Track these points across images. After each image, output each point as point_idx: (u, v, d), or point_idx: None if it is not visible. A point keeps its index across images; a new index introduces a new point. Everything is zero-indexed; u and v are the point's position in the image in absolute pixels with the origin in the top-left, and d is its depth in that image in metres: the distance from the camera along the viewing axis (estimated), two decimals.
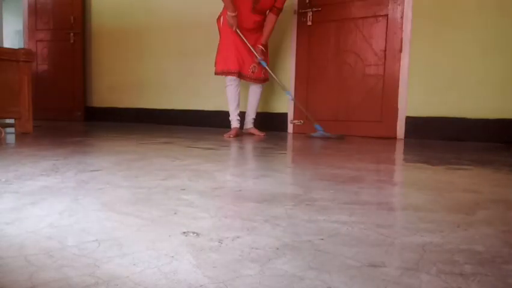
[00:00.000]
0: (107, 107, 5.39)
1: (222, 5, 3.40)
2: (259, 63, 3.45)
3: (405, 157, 2.33)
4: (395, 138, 3.49)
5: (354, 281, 0.64)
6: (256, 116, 3.70)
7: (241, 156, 2.37)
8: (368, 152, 2.52)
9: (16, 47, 4.44)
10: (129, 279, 0.63)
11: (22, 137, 2.96)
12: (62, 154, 2.07)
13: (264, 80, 3.60)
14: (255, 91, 3.65)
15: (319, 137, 3.40)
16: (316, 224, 0.94)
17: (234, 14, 3.27)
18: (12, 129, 3.41)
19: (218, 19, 3.53)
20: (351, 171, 1.71)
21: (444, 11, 3.27)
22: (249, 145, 2.86)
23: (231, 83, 3.47)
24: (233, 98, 3.51)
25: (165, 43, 4.85)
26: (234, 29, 3.34)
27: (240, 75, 3.46)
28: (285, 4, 3.56)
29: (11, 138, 2.87)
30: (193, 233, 0.86)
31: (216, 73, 3.50)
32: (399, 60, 3.48)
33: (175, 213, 1.01)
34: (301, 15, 3.92)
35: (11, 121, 3.48)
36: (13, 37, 8.09)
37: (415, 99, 3.42)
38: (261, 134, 3.59)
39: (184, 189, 1.29)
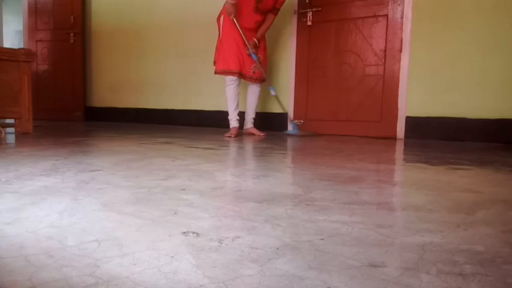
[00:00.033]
0: (107, 107, 5.38)
1: (222, 3, 3.41)
2: (249, 55, 3.45)
3: (405, 157, 2.33)
4: (395, 138, 3.49)
5: (354, 281, 0.64)
6: (256, 115, 3.71)
7: (241, 156, 2.37)
8: (368, 152, 2.52)
9: (16, 47, 4.44)
10: (129, 279, 0.63)
11: (22, 137, 2.96)
12: (62, 154, 2.07)
13: (263, 80, 3.61)
14: (253, 91, 3.65)
15: (292, 134, 3.64)
16: (316, 224, 0.94)
17: (233, 2, 3.27)
18: (12, 129, 3.41)
19: (218, 18, 3.53)
20: (351, 171, 1.71)
21: (444, 11, 3.27)
22: (249, 145, 2.86)
23: (231, 83, 3.47)
24: (233, 98, 3.51)
25: (165, 43, 4.85)
26: (231, 17, 3.33)
27: (241, 75, 3.46)
28: (285, 4, 3.58)
29: (11, 138, 2.87)
30: (193, 233, 0.86)
31: (216, 72, 3.50)
32: (399, 60, 3.48)
33: (175, 213, 1.01)
34: (301, 15, 3.92)
35: (11, 121, 3.48)
36: (13, 37, 8.09)
37: (415, 99, 3.42)
38: (261, 134, 3.59)
39: (184, 189, 1.29)
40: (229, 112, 3.57)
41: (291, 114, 4.02)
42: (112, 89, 5.34)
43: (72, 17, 5.28)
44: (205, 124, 4.56)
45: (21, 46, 5.77)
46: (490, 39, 3.11)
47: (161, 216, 0.99)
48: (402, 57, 3.46)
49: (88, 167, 1.69)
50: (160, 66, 4.91)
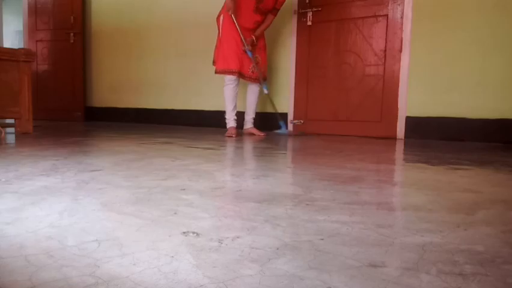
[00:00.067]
0: (107, 107, 5.38)
1: (222, 3, 3.41)
2: (245, 51, 3.44)
3: (405, 157, 2.33)
4: (395, 138, 3.49)
5: (354, 281, 0.64)
6: (256, 115, 3.71)
7: (241, 156, 2.37)
8: (368, 152, 2.52)
9: (16, 47, 4.44)
10: (129, 279, 0.63)
11: (22, 137, 2.96)
12: (62, 154, 2.07)
13: (264, 79, 3.60)
14: (253, 90, 3.65)
15: (281, 133, 3.70)
16: (317, 224, 0.94)
17: None
18: (12, 129, 3.41)
19: (218, 17, 3.54)
20: (351, 171, 1.71)
21: (444, 11, 3.27)
22: (249, 145, 2.86)
23: (230, 83, 3.47)
24: (231, 98, 3.52)
25: (165, 43, 4.85)
26: (230, 12, 3.33)
27: (240, 74, 3.46)
28: (285, 4, 3.58)
29: (11, 138, 2.88)
30: (193, 233, 0.86)
31: (216, 72, 3.50)
32: (399, 60, 3.48)
33: (175, 213, 1.01)
34: (301, 15, 3.92)
35: (11, 121, 3.48)
36: (13, 37, 8.09)
37: (415, 99, 3.42)
38: (261, 134, 3.59)
39: (184, 189, 1.29)
40: (226, 112, 3.57)
41: (290, 114, 4.02)
42: (112, 89, 5.34)
43: (72, 17, 5.28)
44: (205, 124, 4.56)
45: (21, 46, 5.77)
46: (490, 39, 3.11)
47: (161, 216, 0.99)
48: (402, 57, 3.46)
49: (88, 167, 1.69)
50: (160, 66, 4.91)
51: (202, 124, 4.59)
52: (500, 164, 2.00)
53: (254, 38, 3.47)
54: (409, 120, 3.45)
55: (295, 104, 4.01)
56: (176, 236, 0.84)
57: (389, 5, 3.49)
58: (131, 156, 2.06)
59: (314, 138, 3.41)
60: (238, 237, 0.84)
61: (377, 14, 3.56)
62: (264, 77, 3.60)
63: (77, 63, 5.35)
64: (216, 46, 3.56)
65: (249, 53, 3.43)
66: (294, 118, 3.94)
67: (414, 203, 1.17)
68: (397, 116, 3.50)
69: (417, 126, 3.42)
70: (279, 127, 3.76)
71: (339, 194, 1.27)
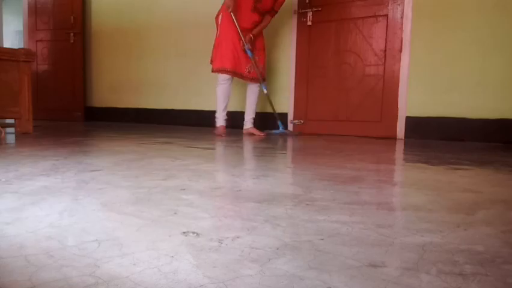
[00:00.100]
0: (107, 107, 5.38)
1: (221, 2, 3.41)
2: (244, 51, 3.44)
3: (405, 157, 2.33)
4: (395, 138, 3.49)
5: (354, 281, 0.64)
6: (256, 115, 3.71)
7: (241, 156, 2.37)
8: (368, 152, 2.52)
9: (16, 47, 4.43)
10: (129, 279, 0.63)
11: (22, 137, 2.96)
12: (62, 154, 2.07)
13: (262, 79, 3.60)
14: (253, 91, 3.65)
15: (278, 134, 3.66)
16: (317, 224, 0.94)
17: None
18: (12, 129, 3.41)
19: (217, 16, 3.55)
20: (351, 171, 1.71)
21: (444, 11, 3.27)
22: (249, 145, 2.86)
23: (223, 82, 3.49)
24: (223, 97, 3.54)
25: (165, 43, 4.85)
26: (229, 10, 3.34)
27: (235, 73, 3.47)
28: (285, 4, 3.58)
29: (11, 138, 2.88)
30: (193, 233, 0.86)
31: (213, 71, 3.52)
32: (399, 60, 3.48)
33: (175, 213, 1.01)
34: (301, 15, 3.92)
35: (11, 121, 3.48)
36: (13, 37, 8.08)
37: (415, 99, 3.42)
38: (261, 134, 3.59)
39: (184, 189, 1.29)
40: (217, 111, 3.59)
41: (291, 114, 4.02)
42: (112, 89, 5.34)
43: (72, 17, 5.28)
44: (205, 124, 4.56)
45: (21, 46, 5.77)
46: (490, 39, 3.11)
47: (161, 216, 0.99)
48: (402, 57, 3.46)
49: (88, 167, 1.69)
50: (160, 66, 4.91)
51: (202, 124, 4.58)
52: (500, 164, 2.00)
53: (251, 36, 3.47)
54: (409, 120, 3.45)
55: (295, 104, 4.01)
56: (176, 236, 0.84)
57: (389, 5, 3.50)
58: (131, 156, 2.06)
59: (314, 137, 3.41)
60: (238, 237, 0.84)
61: (377, 14, 3.56)
62: (262, 77, 3.60)
63: (77, 63, 5.35)
64: (214, 45, 3.57)
65: (249, 52, 3.43)
66: (294, 118, 3.94)
67: (414, 203, 1.17)
68: (397, 116, 3.50)
69: (417, 126, 3.42)
70: (278, 127, 3.75)
71: (339, 194, 1.27)
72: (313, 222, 0.96)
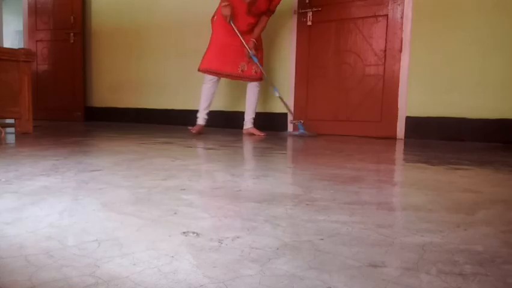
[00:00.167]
0: (107, 107, 5.38)
1: (218, 4, 3.42)
2: (250, 58, 3.45)
3: (405, 157, 2.33)
4: (395, 138, 3.49)
5: (354, 281, 0.64)
6: (256, 116, 3.70)
7: (241, 156, 2.37)
8: (368, 152, 2.52)
9: (16, 47, 4.43)
10: (129, 279, 0.63)
11: (22, 137, 2.96)
12: (62, 154, 2.07)
13: (258, 78, 3.59)
14: (252, 90, 3.65)
15: (298, 135, 3.58)
16: (317, 224, 0.94)
17: (225, 4, 3.29)
18: (12, 129, 3.41)
19: (212, 18, 3.55)
20: (351, 171, 1.71)
21: (444, 11, 3.27)
22: (249, 145, 2.86)
23: (207, 82, 3.55)
24: (206, 96, 3.58)
25: (165, 43, 4.85)
26: (227, 20, 3.34)
27: (220, 74, 3.50)
28: (285, 4, 3.58)
29: (11, 138, 2.88)
30: (193, 233, 0.86)
31: (199, 70, 3.55)
32: (399, 60, 3.48)
33: (175, 213, 1.01)
34: (301, 15, 3.92)
35: (11, 121, 3.48)
36: (13, 37, 8.09)
37: (415, 99, 3.42)
38: (261, 134, 3.59)
39: (184, 189, 1.29)
40: (199, 109, 3.65)
41: (291, 114, 4.02)
42: (112, 89, 5.34)
43: (72, 17, 5.28)
44: (205, 124, 4.55)
45: (21, 46, 5.77)
46: (490, 39, 3.11)
47: (161, 216, 0.99)
48: (402, 57, 3.46)
49: (88, 167, 1.69)
50: (160, 66, 4.91)
51: None
52: (500, 164, 2.00)
53: (255, 41, 3.47)
54: (409, 120, 3.45)
55: (295, 104, 4.01)
56: (176, 236, 0.84)
57: (389, 5, 3.50)
58: (131, 156, 2.06)
59: (314, 137, 3.41)
60: (238, 237, 0.84)
61: (377, 14, 3.56)
62: (260, 77, 3.58)
63: (77, 63, 5.35)
64: (208, 46, 3.59)
65: (254, 58, 3.45)
66: (294, 118, 3.94)
67: (414, 203, 1.18)
68: (397, 116, 3.50)
69: (417, 126, 3.42)
70: (289, 128, 3.72)
71: (339, 194, 1.27)
72: (313, 222, 0.96)
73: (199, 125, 3.65)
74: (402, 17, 3.44)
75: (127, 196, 1.19)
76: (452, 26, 3.25)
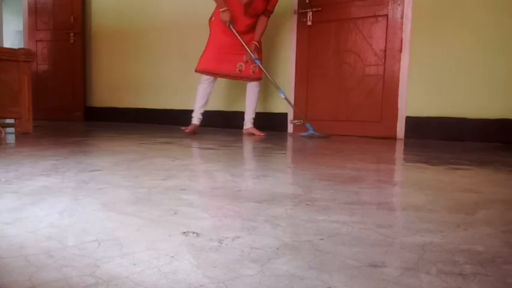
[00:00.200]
0: (107, 107, 5.38)
1: (215, 5, 3.42)
2: (253, 61, 3.45)
3: (405, 157, 2.33)
4: (395, 138, 3.49)
5: (354, 281, 0.64)
6: (256, 115, 3.70)
7: (241, 156, 2.37)
8: (368, 152, 2.52)
9: (16, 47, 4.43)
10: (129, 279, 0.63)
11: (22, 137, 2.96)
12: (62, 154, 2.07)
13: (257, 78, 3.58)
14: (252, 90, 3.64)
15: (308, 136, 3.48)
16: (317, 224, 0.94)
17: (223, 9, 3.29)
18: (12, 129, 3.41)
19: (210, 19, 3.55)
20: (351, 171, 1.71)
21: (444, 11, 3.27)
22: (248, 145, 2.86)
23: (203, 82, 3.55)
24: (202, 96, 3.59)
25: (165, 43, 4.85)
26: (227, 25, 3.34)
27: (217, 74, 3.50)
28: (285, 4, 3.57)
29: (11, 138, 2.87)
30: (193, 233, 0.86)
31: (196, 71, 3.55)
32: (399, 60, 3.48)
33: (175, 213, 1.01)
34: (301, 15, 3.92)
35: (11, 121, 3.48)
36: (13, 37, 8.08)
37: (415, 99, 3.42)
38: (261, 134, 3.59)
39: (184, 189, 1.29)
40: (194, 109, 3.66)
41: (291, 114, 4.02)
42: (111, 89, 5.34)
43: (72, 17, 5.28)
44: (205, 124, 4.55)
45: (21, 46, 5.77)
46: (490, 39, 3.11)
47: (161, 216, 0.99)
48: (402, 57, 3.46)
49: (88, 167, 1.69)
50: (160, 67, 4.91)
51: (202, 124, 4.58)
52: (500, 164, 2.00)
53: (257, 44, 3.47)
54: (409, 120, 3.45)
55: (295, 104, 4.01)
56: (176, 236, 0.84)
57: (389, 5, 3.49)
58: (131, 156, 2.06)
59: (314, 137, 3.40)
60: (238, 237, 0.84)
61: (377, 14, 3.56)
62: (259, 76, 3.57)
63: (77, 63, 5.35)
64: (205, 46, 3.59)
65: (257, 62, 3.45)
66: (294, 118, 3.94)
67: (414, 203, 1.17)
68: (397, 116, 3.50)
69: (417, 126, 3.42)
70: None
71: (339, 194, 1.27)
72: (313, 222, 0.96)
73: (194, 124, 3.65)
74: (402, 17, 3.44)
75: (127, 196, 1.19)
76: (452, 26, 3.25)
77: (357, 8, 3.65)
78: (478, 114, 3.18)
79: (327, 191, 1.30)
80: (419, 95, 3.40)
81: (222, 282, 0.63)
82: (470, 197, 1.28)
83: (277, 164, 2.03)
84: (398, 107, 3.49)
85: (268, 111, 4.19)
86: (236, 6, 3.34)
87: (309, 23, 3.87)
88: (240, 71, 3.51)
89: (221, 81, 4.00)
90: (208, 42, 3.54)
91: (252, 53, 3.42)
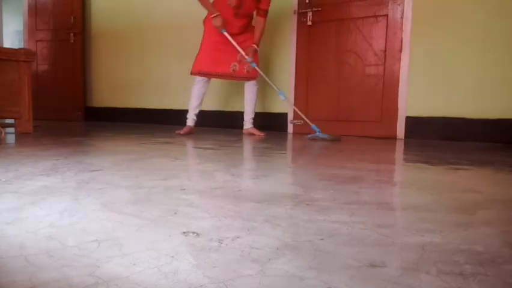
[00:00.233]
0: (107, 107, 5.38)
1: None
2: (247, 64, 3.43)
3: (405, 157, 2.33)
4: (395, 138, 3.49)
5: (354, 281, 0.64)
6: (255, 115, 3.70)
7: (241, 156, 2.37)
8: (368, 152, 2.52)
9: (16, 47, 4.43)
10: (129, 279, 0.63)
11: (22, 137, 2.96)
12: (62, 154, 2.07)
13: (251, 77, 3.56)
14: (250, 89, 3.63)
15: (316, 138, 3.34)
16: (316, 224, 0.94)
17: (215, 14, 3.29)
18: (12, 129, 3.41)
19: (204, 19, 3.54)
20: (351, 171, 1.71)
21: (444, 11, 3.27)
22: (248, 145, 2.86)
23: (197, 82, 3.54)
24: (196, 96, 3.57)
25: (165, 43, 4.85)
26: (219, 30, 3.33)
27: (211, 74, 3.49)
28: (285, 4, 3.56)
29: (11, 138, 2.87)
30: (193, 233, 0.86)
31: (191, 74, 3.54)
32: (399, 60, 3.48)
33: (175, 213, 1.01)
34: (301, 15, 3.92)
35: (11, 121, 3.48)
36: (13, 37, 8.08)
37: (415, 99, 3.42)
38: (261, 134, 3.59)
39: (184, 189, 1.29)
40: (188, 110, 3.64)
41: (291, 114, 4.02)
42: (111, 89, 5.34)
43: (72, 17, 5.28)
44: (205, 124, 4.56)
45: (21, 46, 5.77)
46: (490, 39, 3.11)
47: (161, 216, 0.99)
48: (402, 57, 3.46)
49: (88, 166, 1.69)
50: (160, 66, 4.91)
51: (202, 124, 4.58)
52: (500, 164, 2.00)
53: (256, 47, 3.45)
54: (409, 120, 3.45)
55: (295, 104, 4.01)
56: (176, 236, 0.84)
57: (389, 5, 3.49)
58: (131, 156, 2.06)
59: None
60: (238, 237, 0.84)
61: (377, 14, 3.56)
62: (254, 75, 3.55)
63: (77, 63, 5.35)
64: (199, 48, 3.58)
65: (254, 65, 3.43)
66: (294, 118, 3.93)
67: (414, 203, 1.17)
68: (397, 116, 3.50)
69: (417, 126, 3.42)
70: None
71: (339, 194, 1.27)
72: (313, 222, 0.96)
73: (189, 126, 3.62)
74: (402, 17, 3.44)
75: (127, 196, 1.19)
76: (452, 26, 3.25)
77: (357, 8, 3.65)
78: (478, 114, 3.18)
79: (327, 191, 1.30)
80: (419, 95, 3.40)
81: (222, 282, 0.63)
82: (470, 197, 1.28)
83: (277, 164, 2.03)
84: (398, 107, 3.49)
85: (268, 111, 4.19)
86: (226, 9, 3.32)
87: (309, 23, 3.87)
88: (233, 71, 3.49)
89: (221, 81, 4.00)
90: (202, 43, 3.52)
91: (247, 57, 3.39)
